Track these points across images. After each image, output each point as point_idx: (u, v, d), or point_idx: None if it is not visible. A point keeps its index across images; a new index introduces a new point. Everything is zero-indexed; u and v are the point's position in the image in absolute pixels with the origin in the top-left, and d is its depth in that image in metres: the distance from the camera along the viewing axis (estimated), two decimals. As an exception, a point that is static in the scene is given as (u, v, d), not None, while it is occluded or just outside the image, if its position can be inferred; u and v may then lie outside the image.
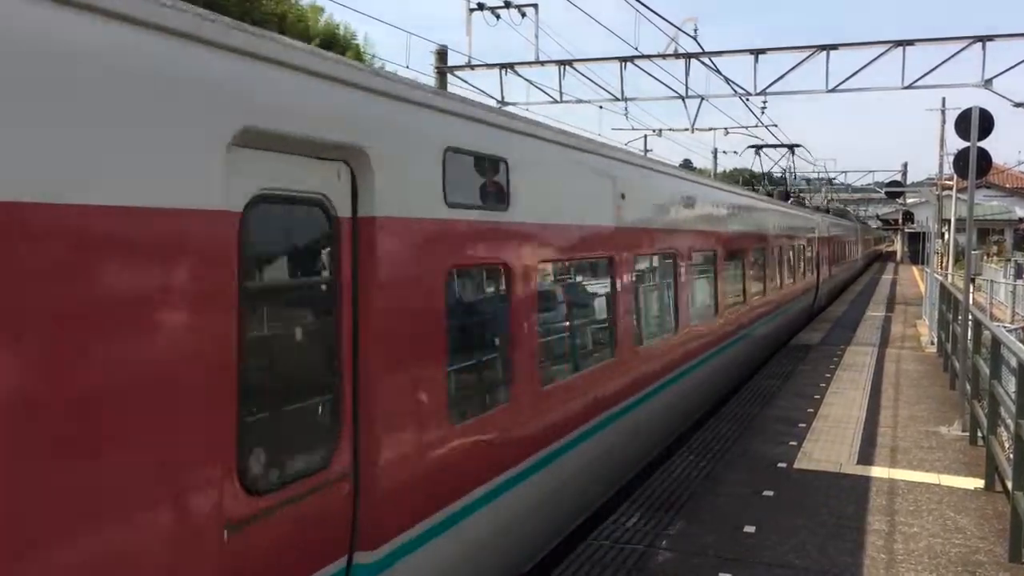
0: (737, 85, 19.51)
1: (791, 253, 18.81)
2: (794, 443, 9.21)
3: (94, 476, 2.73)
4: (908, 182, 54.39)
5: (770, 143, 28.46)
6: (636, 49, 18.88)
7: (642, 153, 26.47)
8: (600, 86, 19.79)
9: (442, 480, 4.71)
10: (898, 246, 75.15)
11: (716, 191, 12.54)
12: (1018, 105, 18.17)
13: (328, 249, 3.95)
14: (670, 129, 27.76)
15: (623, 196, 7.74)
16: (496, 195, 5.46)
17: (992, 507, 7.18)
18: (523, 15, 17.74)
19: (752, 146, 28.41)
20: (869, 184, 58.60)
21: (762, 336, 15.52)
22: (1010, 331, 10.15)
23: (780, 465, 8.37)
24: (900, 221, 67.44)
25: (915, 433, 9.76)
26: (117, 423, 2.80)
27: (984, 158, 10.41)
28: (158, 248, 2.95)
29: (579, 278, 7.50)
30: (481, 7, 17.73)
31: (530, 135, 6.11)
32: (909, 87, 18.48)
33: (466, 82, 19.73)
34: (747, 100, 20.99)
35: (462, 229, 4.97)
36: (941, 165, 33.90)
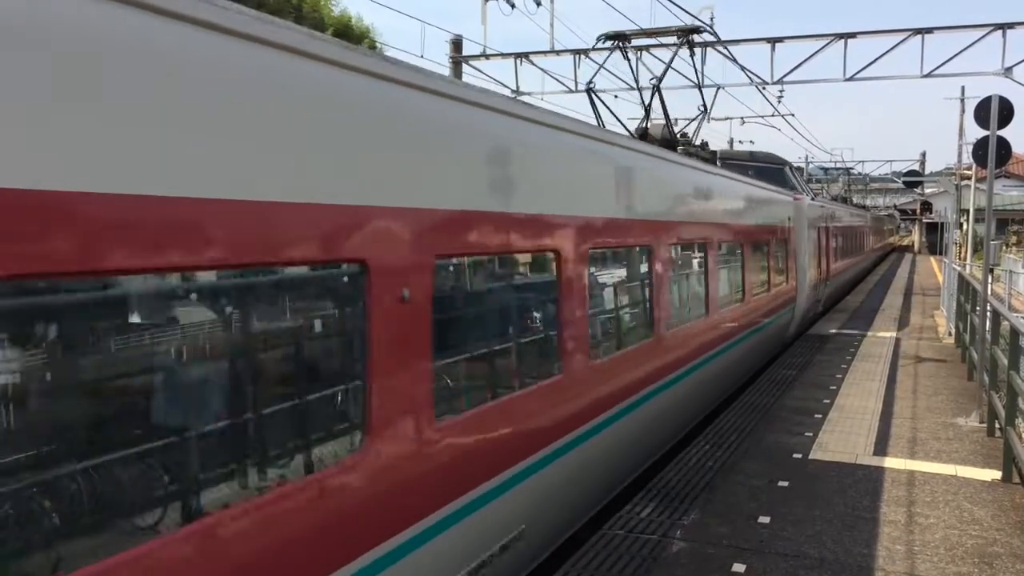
0: (753, 74, 19.40)
1: None
2: (810, 434, 9.18)
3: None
4: (927, 172, 53.91)
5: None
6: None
7: None
8: (616, 76, 19.71)
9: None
10: (916, 237, 74.65)
11: None
12: (1039, 93, 17.97)
13: None
14: (685, 118, 27.63)
15: None
16: None
17: (1009, 499, 7.14)
18: (538, 4, 17.69)
19: None
20: (887, 174, 58.18)
21: None
22: (1029, 322, 10.07)
23: (796, 456, 8.35)
24: (918, 211, 66.95)
25: (932, 424, 9.71)
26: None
27: (1004, 147, 10.35)
28: None
29: None
30: (496, -4, 17.66)
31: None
32: (928, 76, 18.33)
33: (481, 72, 19.70)
34: (763, 89, 20.85)
35: None
36: (960, 154, 33.58)
